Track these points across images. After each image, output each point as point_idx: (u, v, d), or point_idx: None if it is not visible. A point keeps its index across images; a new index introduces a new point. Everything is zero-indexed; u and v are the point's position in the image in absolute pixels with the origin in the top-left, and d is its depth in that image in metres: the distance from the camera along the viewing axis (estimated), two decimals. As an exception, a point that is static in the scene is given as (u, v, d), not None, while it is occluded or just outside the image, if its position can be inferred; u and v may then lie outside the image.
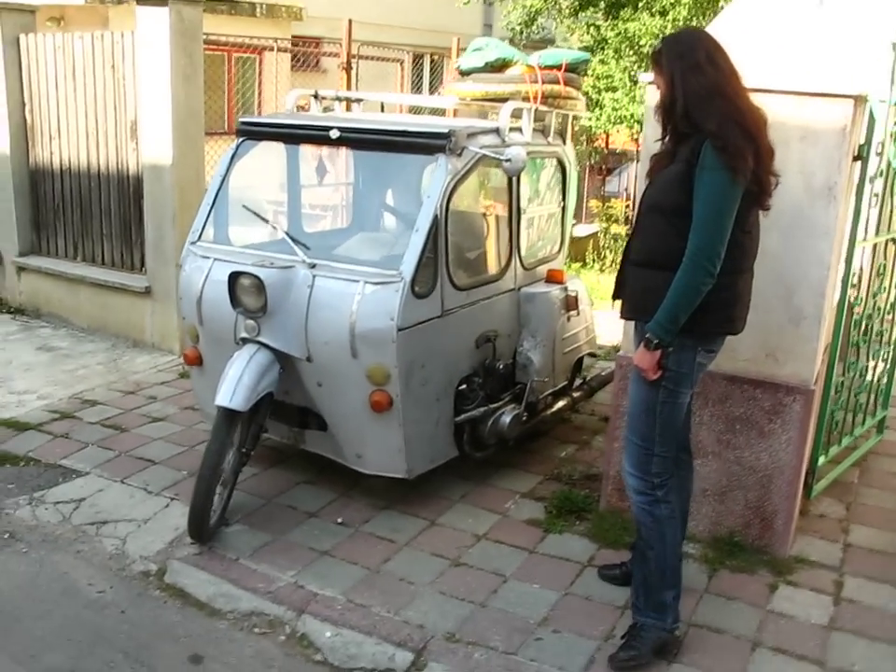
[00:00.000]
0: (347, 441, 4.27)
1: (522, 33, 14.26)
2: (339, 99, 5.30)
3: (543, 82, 4.75)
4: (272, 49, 9.25)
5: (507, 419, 4.60)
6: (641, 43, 12.17)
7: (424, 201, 4.13)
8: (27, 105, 7.35)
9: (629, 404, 3.40)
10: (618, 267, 3.52)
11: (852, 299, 4.35)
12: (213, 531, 4.04)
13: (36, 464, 4.81)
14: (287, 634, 3.53)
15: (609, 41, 12.70)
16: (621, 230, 13.66)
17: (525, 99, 4.75)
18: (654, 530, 3.32)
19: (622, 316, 3.47)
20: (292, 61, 10.94)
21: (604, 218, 13.52)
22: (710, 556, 4.03)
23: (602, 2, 13.37)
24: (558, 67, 4.88)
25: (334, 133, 4.30)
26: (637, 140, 14.31)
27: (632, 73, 12.69)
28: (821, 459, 4.51)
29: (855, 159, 3.90)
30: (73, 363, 6.46)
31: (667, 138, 3.27)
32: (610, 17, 13.21)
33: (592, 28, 13.46)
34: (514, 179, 4.59)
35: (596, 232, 12.78)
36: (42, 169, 7.39)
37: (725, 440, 4.08)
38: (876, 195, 4.32)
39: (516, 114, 4.60)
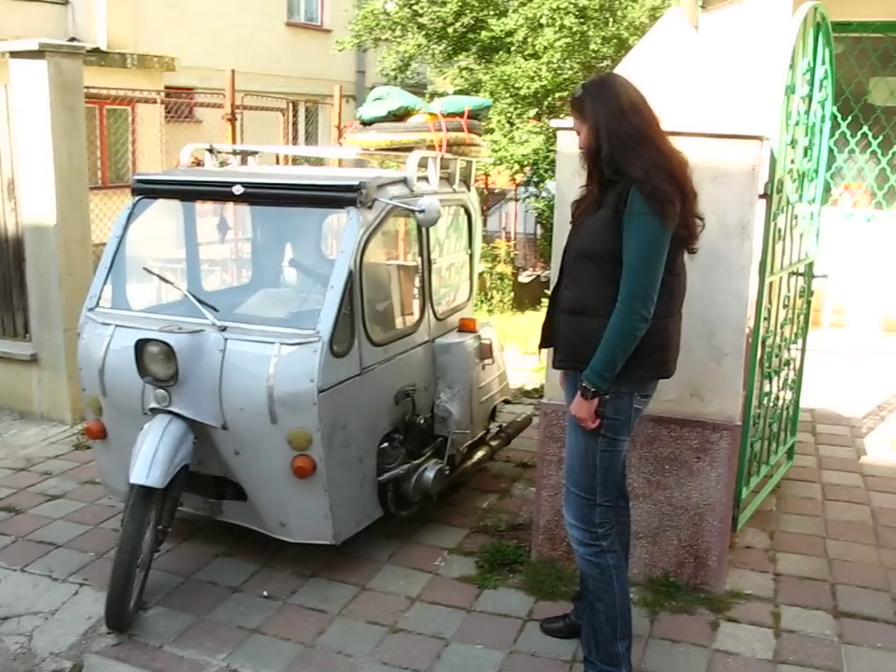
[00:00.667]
0: (269, 509, 4.07)
1: (396, 78, 14.38)
2: (235, 153, 5.14)
3: (447, 130, 4.71)
4: (151, 101, 8.97)
5: (430, 474, 4.49)
6: (517, 85, 12.38)
7: (337, 255, 4.01)
8: None
9: (567, 455, 3.33)
10: (546, 315, 3.47)
11: (764, 332, 4.42)
12: (131, 617, 3.78)
13: (-78, 558, 4.44)
14: (224, 724, 3.32)
15: (485, 84, 12.88)
16: (506, 269, 13.77)
17: (430, 147, 4.69)
18: (602, 581, 3.26)
19: (555, 366, 3.41)
20: (166, 112, 10.69)
21: (489, 258, 13.61)
22: (649, 599, 3.99)
23: (474, 46, 13.58)
24: (461, 114, 4.85)
25: (238, 189, 4.15)
26: (516, 181, 14.55)
27: (509, 114, 12.90)
28: (744, 491, 4.55)
29: (760, 197, 3.97)
30: (-47, 441, 6.05)
31: (590, 184, 3.24)
32: (483, 61, 13.42)
33: (465, 72, 13.64)
34: (424, 229, 4.52)
35: (482, 273, 12.85)
36: None
37: (655, 481, 4.06)
38: (779, 230, 4.41)
39: (422, 163, 4.54)
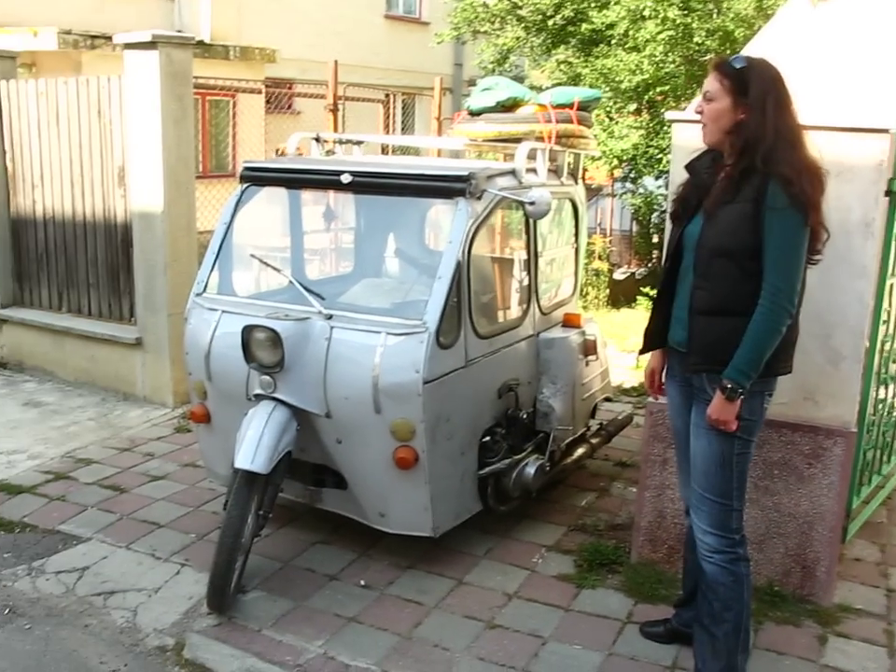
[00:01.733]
0: (369, 499, 4.07)
1: (494, 71, 14.31)
2: (341, 142, 5.15)
3: (557, 121, 4.63)
4: (252, 92, 9.08)
5: (531, 470, 4.43)
6: (618, 79, 12.19)
7: (445, 246, 3.97)
8: (7, 154, 7.15)
9: (699, 460, 3.19)
10: (650, 317, 3.38)
11: (882, 336, 4.24)
12: (231, 600, 3.81)
13: (33, 530, 4.55)
14: (323, 711, 3.32)
15: (584, 77, 12.71)
16: (602, 266, 13.61)
17: (539, 139, 4.63)
18: (734, 590, 3.17)
19: (691, 370, 3.20)
20: (266, 103, 10.82)
21: (585, 254, 13.48)
22: (753, 608, 3.84)
23: (574, 39, 13.42)
24: (570, 106, 4.77)
25: (346, 178, 4.15)
26: (613, 176, 14.38)
27: (608, 109, 12.72)
28: (855, 500, 4.38)
29: (885, 194, 3.80)
30: (62, 419, 6.20)
31: (729, 167, 3.06)
32: (583, 54, 13.26)
33: (563, 65, 13.49)
34: (532, 222, 4.45)
35: (577, 269, 12.71)
36: (24, 218, 7.16)
37: (763, 486, 3.94)
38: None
39: (531, 154, 4.47)
